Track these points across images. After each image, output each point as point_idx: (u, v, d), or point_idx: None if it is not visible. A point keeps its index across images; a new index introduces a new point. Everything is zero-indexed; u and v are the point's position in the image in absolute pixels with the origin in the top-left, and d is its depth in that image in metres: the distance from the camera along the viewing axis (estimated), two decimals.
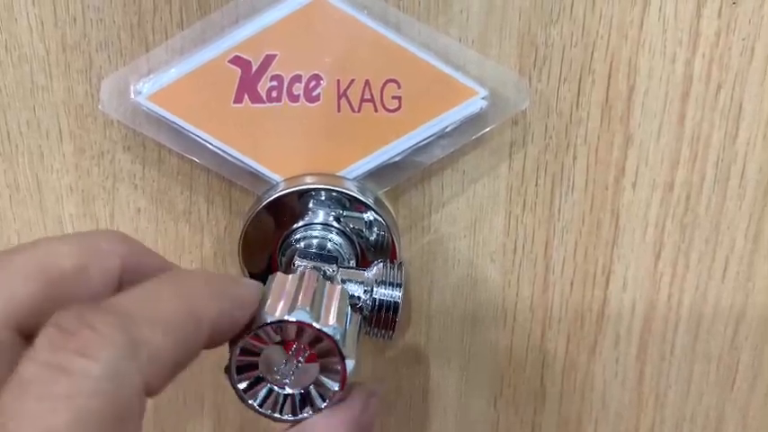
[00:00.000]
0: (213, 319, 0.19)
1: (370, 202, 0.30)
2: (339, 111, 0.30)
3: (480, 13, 0.30)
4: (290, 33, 0.29)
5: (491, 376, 0.36)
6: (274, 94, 0.29)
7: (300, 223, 0.30)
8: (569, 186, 0.32)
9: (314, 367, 0.22)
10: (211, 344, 0.20)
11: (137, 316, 0.17)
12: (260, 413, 0.23)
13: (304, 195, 0.30)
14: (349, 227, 0.30)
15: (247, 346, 0.22)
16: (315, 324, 0.22)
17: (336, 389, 0.22)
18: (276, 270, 0.31)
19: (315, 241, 0.29)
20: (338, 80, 0.29)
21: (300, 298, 0.23)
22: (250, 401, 0.22)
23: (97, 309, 0.17)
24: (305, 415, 0.22)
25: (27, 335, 0.17)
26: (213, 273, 0.22)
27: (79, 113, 0.32)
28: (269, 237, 0.30)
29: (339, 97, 0.29)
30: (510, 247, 0.34)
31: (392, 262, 0.28)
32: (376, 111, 0.30)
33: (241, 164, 0.30)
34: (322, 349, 0.22)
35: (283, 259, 0.30)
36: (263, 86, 0.29)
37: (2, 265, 0.18)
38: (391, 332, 0.27)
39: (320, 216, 0.30)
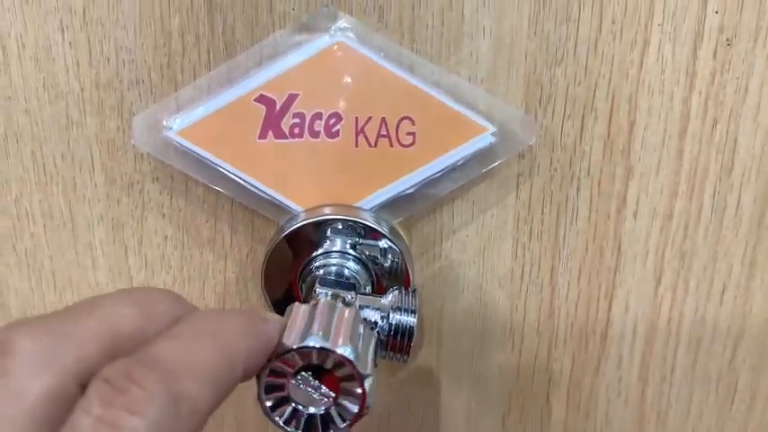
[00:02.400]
0: (246, 361, 0.21)
1: (385, 231, 0.31)
2: (357, 146, 0.31)
3: (489, 54, 0.32)
4: (312, 74, 0.31)
5: (499, 396, 0.38)
6: (297, 130, 0.31)
7: (319, 251, 0.32)
8: (573, 216, 0.34)
9: (335, 387, 0.24)
10: (243, 380, 0.22)
11: (179, 370, 0.19)
12: None
13: (323, 225, 0.31)
14: (365, 255, 0.32)
15: (271, 376, 0.23)
16: (327, 346, 0.23)
17: (356, 407, 0.24)
18: (297, 296, 0.32)
19: (333, 269, 0.31)
20: (356, 117, 0.31)
21: (314, 325, 0.24)
22: (277, 420, 0.24)
23: (142, 365, 0.19)
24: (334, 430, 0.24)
25: (83, 384, 0.19)
26: (242, 311, 0.23)
27: (111, 147, 0.34)
28: (289, 264, 0.32)
29: (357, 133, 0.31)
30: (517, 273, 0.35)
31: (406, 289, 0.30)
32: (391, 146, 0.31)
33: (264, 195, 0.32)
34: (340, 368, 0.24)
35: (304, 286, 0.31)
36: (286, 123, 0.31)
37: (73, 328, 0.19)
38: (406, 356, 0.28)
39: (338, 245, 0.32)
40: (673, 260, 0.35)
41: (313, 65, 0.31)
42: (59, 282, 0.36)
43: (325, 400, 0.24)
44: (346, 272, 0.31)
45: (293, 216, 0.32)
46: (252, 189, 0.32)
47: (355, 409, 0.24)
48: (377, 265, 0.32)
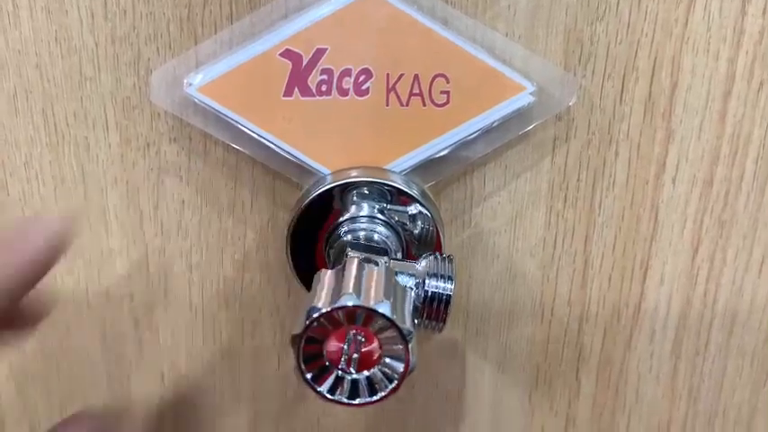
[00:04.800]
0: None
1: (416, 195, 0.30)
2: (388, 105, 0.30)
3: (527, 9, 0.30)
4: (341, 27, 0.29)
5: (527, 370, 0.36)
6: (324, 87, 0.30)
7: (347, 216, 0.30)
8: (611, 182, 0.33)
9: (376, 348, 0.22)
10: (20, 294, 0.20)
11: None
12: (332, 401, 0.23)
13: (352, 188, 0.30)
14: (395, 220, 0.30)
15: (307, 341, 0.22)
16: (362, 304, 0.22)
17: (402, 364, 0.22)
18: (322, 261, 0.31)
19: (362, 234, 0.30)
20: (387, 74, 0.30)
21: (344, 285, 0.23)
22: (320, 390, 0.23)
23: None
24: (379, 396, 0.23)
25: None
26: None
27: (126, 105, 0.32)
28: (316, 229, 0.30)
29: (388, 91, 0.30)
30: (550, 241, 0.34)
31: (441, 255, 0.28)
32: (424, 105, 0.30)
33: (289, 156, 0.30)
34: (379, 328, 0.22)
35: (331, 252, 0.30)
36: (313, 80, 0.30)
37: None
38: (442, 324, 0.27)
39: (367, 209, 0.30)
40: (711, 229, 0.34)
41: (342, 17, 0.29)
42: (70, 249, 0.34)
43: (369, 362, 0.22)
44: (376, 237, 0.30)
45: (319, 179, 0.31)
46: (276, 149, 0.30)
47: (400, 368, 0.22)
48: (406, 230, 0.30)
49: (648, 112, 0.32)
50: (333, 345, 0.22)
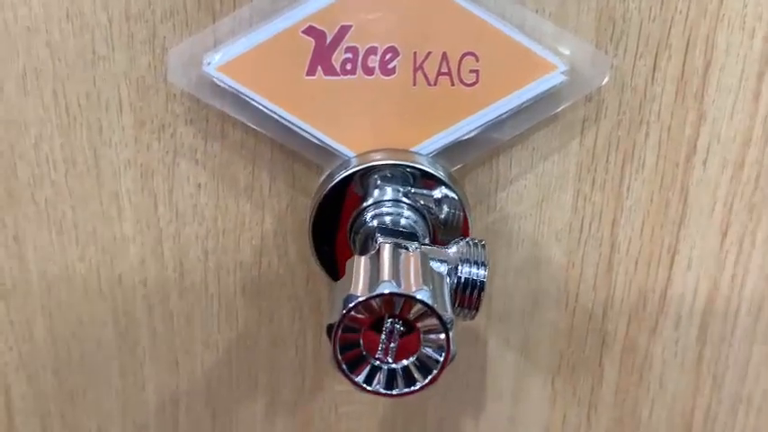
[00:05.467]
0: None
1: (444, 178, 0.29)
2: (415, 84, 0.29)
3: None
4: (366, 4, 0.28)
5: (549, 356, 0.36)
6: (349, 66, 0.29)
7: (372, 200, 0.29)
8: (640, 164, 0.32)
9: (416, 336, 0.22)
10: None
11: None
12: (369, 391, 0.22)
13: (377, 172, 0.29)
14: (421, 204, 0.29)
15: (343, 331, 0.21)
16: (401, 291, 0.21)
17: (441, 356, 0.22)
18: (345, 247, 0.30)
19: (389, 219, 0.29)
20: (415, 53, 0.29)
21: (384, 272, 0.22)
22: (356, 380, 0.22)
23: None
24: (418, 385, 0.22)
25: None
26: None
27: (141, 85, 0.31)
28: (340, 214, 0.30)
29: (415, 70, 0.29)
30: (576, 226, 0.33)
31: (474, 240, 0.27)
32: (453, 84, 0.29)
33: (311, 138, 0.29)
34: (418, 316, 0.21)
35: (356, 237, 0.29)
36: (337, 58, 0.29)
37: None
38: (475, 312, 0.26)
39: (393, 193, 0.29)
40: (741, 212, 0.33)
41: None
42: (82, 234, 0.33)
43: (407, 351, 0.22)
44: (403, 222, 0.29)
45: (343, 162, 0.30)
46: (298, 131, 0.29)
47: (440, 357, 0.21)
48: (432, 215, 0.30)
49: (680, 92, 0.31)
50: (370, 334, 0.21)
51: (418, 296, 0.21)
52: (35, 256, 0.34)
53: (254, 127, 0.30)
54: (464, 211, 0.30)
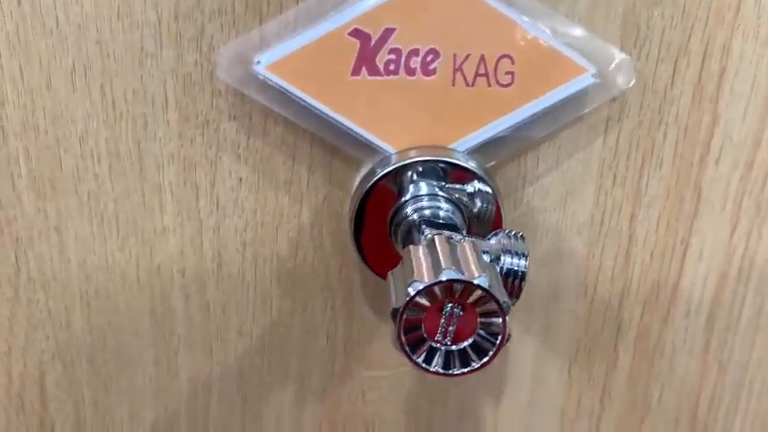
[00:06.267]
0: None
1: (481, 174, 0.31)
2: (454, 85, 0.30)
3: None
4: (410, 7, 0.30)
5: (567, 344, 0.38)
6: (392, 67, 0.30)
7: (413, 194, 0.31)
8: (658, 162, 0.34)
9: (474, 320, 0.23)
10: None
11: None
12: (428, 371, 0.24)
13: (417, 167, 0.31)
14: (458, 198, 0.31)
15: (408, 315, 0.23)
16: (464, 278, 0.23)
17: (499, 335, 0.23)
18: (385, 239, 0.31)
19: (429, 212, 0.30)
20: (454, 54, 0.30)
21: (443, 260, 0.24)
22: (416, 360, 0.23)
23: None
24: (475, 365, 0.23)
25: None
26: None
27: (187, 82, 0.32)
28: (382, 208, 0.31)
29: (455, 71, 0.30)
30: (597, 219, 0.35)
31: (513, 232, 0.29)
32: (489, 85, 0.31)
33: (355, 134, 0.31)
34: (476, 300, 0.23)
35: (399, 229, 0.30)
36: (380, 59, 0.30)
37: None
38: (515, 300, 0.28)
39: (431, 188, 0.31)
40: (749, 209, 0.35)
41: None
42: (123, 226, 0.34)
43: (465, 335, 0.23)
44: (443, 214, 0.30)
45: (385, 158, 0.31)
46: (341, 128, 0.31)
47: (497, 340, 0.23)
48: (468, 208, 0.31)
49: (697, 96, 0.33)
50: (431, 318, 0.23)
51: (478, 282, 0.22)
52: (75, 247, 0.35)
53: (299, 123, 0.31)
54: (498, 205, 0.31)
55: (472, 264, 0.23)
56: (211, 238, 0.35)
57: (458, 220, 0.30)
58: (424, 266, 0.23)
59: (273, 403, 0.38)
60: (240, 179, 0.34)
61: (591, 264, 0.36)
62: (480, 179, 0.31)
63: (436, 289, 0.22)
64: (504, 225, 0.32)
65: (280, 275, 0.35)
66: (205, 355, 0.37)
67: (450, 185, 0.31)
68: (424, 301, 0.23)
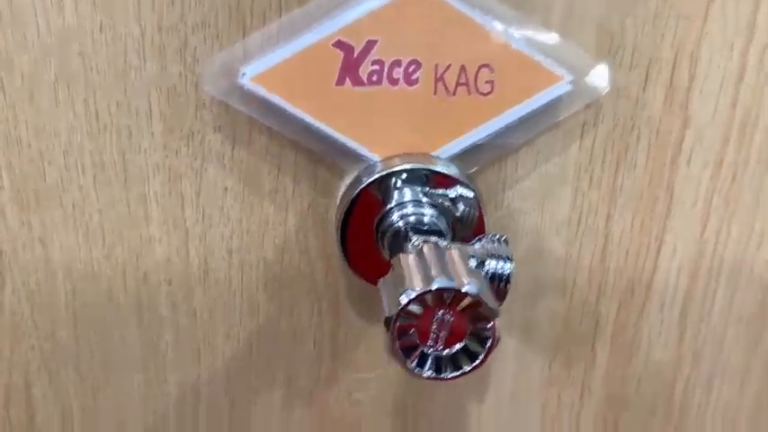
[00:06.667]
0: None
1: (463, 179, 0.31)
2: (435, 94, 0.31)
3: (563, 1, 0.32)
4: (391, 20, 0.30)
5: (547, 341, 0.39)
6: (375, 77, 0.31)
7: (396, 201, 0.32)
8: (632, 164, 0.35)
9: (464, 325, 0.24)
10: None
11: None
12: (421, 377, 0.24)
13: (402, 175, 0.31)
14: (443, 204, 0.32)
15: (401, 323, 0.24)
16: (454, 286, 0.24)
17: (489, 339, 0.24)
18: (371, 246, 0.32)
19: (414, 218, 0.31)
20: (436, 65, 0.31)
21: (432, 268, 0.24)
22: (410, 366, 0.24)
23: None
24: (466, 368, 0.24)
25: None
26: None
27: (171, 94, 0.32)
28: (368, 214, 0.32)
29: (436, 81, 0.31)
30: (574, 220, 0.36)
31: (496, 236, 0.30)
32: (470, 94, 0.31)
33: (339, 143, 0.31)
34: (467, 307, 0.24)
35: (385, 235, 0.31)
36: (364, 70, 0.31)
37: None
38: (501, 302, 0.29)
39: (416, 194, 0.32)
40: (719, 207, 0.36)
41: (392, 10, 0.30)
42: (108, 235, 0.34)
43: (456, 339, 0.24)
44: (428, 220, 0.31)
45: (370, 165, 0.32)
46: (326, 137, 0.31)
47: (487, 344, 0.24)
48: (452, 214, 0.32)
49: (668, 100, 0.34)
50: (422, 324, 0.24)
51: (468, 289, 0.23)
52: (61, 258, 0.35)
53: (284, 133, 0.32)
54: (480, 209, 0.32)
55: (461, 271, 0.24)
56: (197, 246, 0.35)
57: (442, 225, 0.31)
58: (414, 275, 0.24)
59: (261, 407, 0.39)
60: (226, 188, 0.34)
61: (569, 263, 0.37)
62: (463, 185, 0.31)
63: (428, 297, 0.23)
64: (486, 228, 0.33)
65: (266, 281, 0.36)
66: (193, 360, 0.37)
67: (434, 191, 0.32)
68: (416, 308, 0.23)
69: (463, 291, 0.23)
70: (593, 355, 0.39)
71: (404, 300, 0.23)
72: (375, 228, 0.32)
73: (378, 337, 0.38)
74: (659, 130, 0.35)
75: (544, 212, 0.36)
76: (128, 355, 0.37)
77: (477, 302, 0.24)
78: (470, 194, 0.32)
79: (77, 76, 0.31)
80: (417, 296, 0.23)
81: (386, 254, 0.31)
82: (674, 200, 0.36)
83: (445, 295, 0.23)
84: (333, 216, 0.35)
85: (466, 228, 0.33)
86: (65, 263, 0.35)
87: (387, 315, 0.23)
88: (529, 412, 0.40)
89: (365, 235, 0.32)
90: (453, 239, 0.32)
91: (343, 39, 0.30)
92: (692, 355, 0.40)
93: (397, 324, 0.23)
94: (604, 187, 0.35)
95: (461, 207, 0.32)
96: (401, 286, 0.24)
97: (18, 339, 0.36)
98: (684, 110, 0.34)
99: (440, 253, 0.25)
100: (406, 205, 0.31)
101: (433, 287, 0.23)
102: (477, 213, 0.32)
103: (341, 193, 0.33)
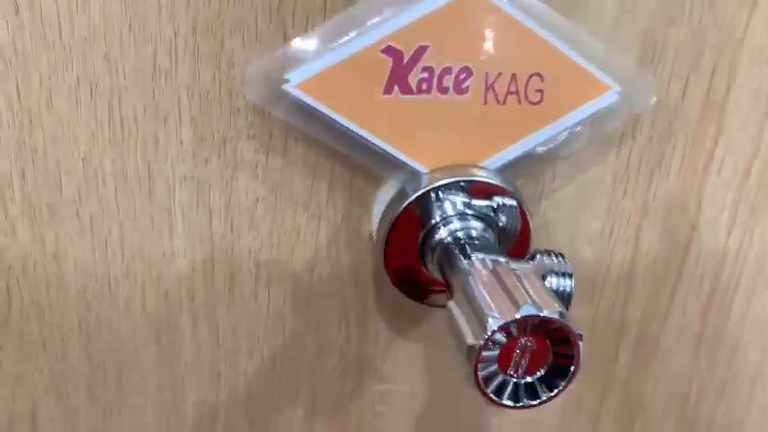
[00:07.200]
0: None
1: (512, 191, 0.31)
2: (485, 103, 0.30)
3: (614, 10, 0.31)
4: (443, 25, 0.29)
5: None
6: (425, 86, 0.29)
7: (444, 215, 0.30)
8: (666, 172, 0.35)
9: (547, 352, 0.23)
10: None
11: None
12: (504, 405, 0.23)
13: (450, 187, 0.30)
14: (487, 216, 0.31)
15: (484, 351, 0.23)
16: (544, 314, 0.23)
17: (572, 366, 0.23)
18: (414, 261, 0.31)
19: (462, 233, 0.30)
20: (486, 73, 0.30)
21: (515, 293, 0.24)
22: (492, 396, 0.23)
23: None
24: (544, 398, 0.23)
25: None
26: None
27: (203, 99, 0.30)
28: (412, 229, 0.30)
29: (486, 90, 0.30)
30: (607, 230, 0.36)
31: (552, 252, 0.29)
32: (520, 103, 0.30)
33: (387, 154, 0.30)
34: (550, 332, 0.23)
35: (434, 252, 0.30)
36: (413, 78, 0.29)
37: None
38: None
39: (463, 207, 0.30)
40: (744, 214, 0.37)
41: (444, 15, 0.29)
42: (128, 250, 0.32)
43: (539, 365, 0.23)
44: (477, 234, 0.30)
45: (415, 177, 0.30)
46: (372, 147, 0.30)
47: (570, 370, 0.23)
48: (499, 226, 0.31)
49: (705, 109, 0.34)
50: (505, 352, 0.23)
51: (556, 316, 0.23)
52: (75, 274, 0.32)
53: (326, 142, 0.30)
54: (527, 221, 0.31)
55: (546, 296, 0.23)
56: (224, 260, 0.33)
57: (491, 238, 0.30)
58: (496, 300, 0.23)
59: (283, 425, 0.37)
60: (257, 199, 0.32)
61: (598, 271, 0.37)
62: (511, 196, 0.31)
63: (514, 325, 0.22)
64: (530, 241, 0.32)
65: (294, 295, 0.34)
66: (212, 380, 0.36)
67: (482, 204, 0.31)
68: (501, 336, 0.22)
69: (552, 318, 0.23)
70: (614, 360, 0.39)
71: (491, 327, 0.22)
72: (421, 242, 0.31)
73: (404, 349, 0.37)
74: (695, 138, 0.35)
75: (578, 222, 0.35)
76: (144, 376, 0.35)
77: (562, 328, 0.23)
78: (517, 206, 0.31)
79: (101, 79, 0.29)
80: (505, 324, 0.22)
81: (434, 270, 0.30)
82: (702, 208, 0.36)
83: (530, 322, 0.23)
84: (366, 227, 0.33)
85: (509, 240, 0.32)
86: (79, 279, 0.32)
87: (470, 343, 0.22)
88: (548, 417, 0.40)
89: (408, 250, 0.31)
90: (507, 255, 0.31)
91: (394, 44, 0.29)
92: (708, 359, 0.40)
93: (482, 353, 0.22)
94: (638, 196, 0.35)
95: (508, 219, 0.31)
96: (484, 313, 0.23)
97: (25, 360, 0.33)
98: (720, 118, 0.34)
99: (515, 275, 0.24)
100: (453, 219, 0.30)
101: (522, 314, 0.22)
102: (522, 225, 0.32)
103: (380, 205, 0.32)
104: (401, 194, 0.30)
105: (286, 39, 0.29)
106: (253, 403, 0.37)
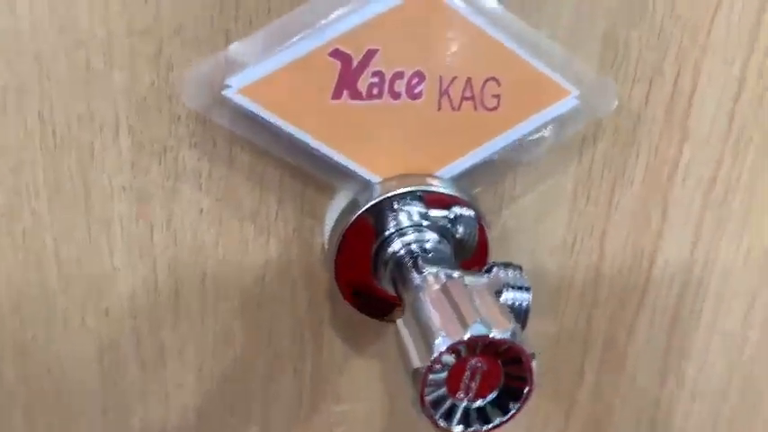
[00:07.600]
0: None
1: (469, 201, 0.29)
2: (440, 109, 0.29)
3: (571, 13, 0.30)
4: (393, 27, 0.27)
5: (538, 359, 0.37)
6: (375, 90, 0.28)
7: (398, 226, 0.29)
8: (630, 181, 0.34)
9: (498, 373, 0.22)
10: None
11: None
12: None
13: (405, 197, 0.29)
14: (446, 227, 0.29)
15: (431, 372, 0.21)
16: (493, 334, 0.21)
17: (526, 387, 0.22)
18: (366, 273, 0.30)
19: (416, 245, 0.29)
20: (440, 77, 0.28)
21: (464, 311, 0.22)
22: (440, 422, 0.22)
23: None
24: (497, 422, 0.22)
25: None
26: None
27: (141, 106, 0.28)
28: (364, 241, 0.29)
29: (441, 95, 0.29)
30: (570, 239, 0.35)
31: (508, 264, 0.28)
32: (475, 109, 0.29)
33: (337, 163, 0.29)
34: (501, 353, 0.22)
35: (385, 265, 0.28)
36: (363, 82, 0.28)
37: None
38: None
39: (418, 219, 0.29)
40: (710, 224, 0.36)
41: (395, 16, 0.27)
42: (65, 266, 0.30)
43: (489, 387, 0.22)
44: (431, 246, 0.28)
45: (368, 187, 0.29)
46: (320, 155, 0.28)
47: (524, 392, 0.22)
48: (455, 238, 0.30)
49: (669, 115, 0.33)
50: (454, 374, 0.21)
51: (507, 336, 0.21)
52: (8, 292, 0.30)
53: (271, 151, 0.29)
54: (484, 232, 0.30)
55: (498, 313, 0.22)
56: (167, 275, 0.31)
57: (446, 250, 0.29)
58: (445, 319, 0.22)
59: None
60: (201, 210, 0.30)
61: (563, 282, 0.36)
62: (468, 207, 0.29)
63: (462, 346, 0.21)
64: (488, 252, 0.31)
65: (243, 311, 0.33)
66: (159, 400, 0.34)
67: (437, 215, 0.29)
68: (449, 358, 0.21)
69: (500, 338, 0.21)
70: (580, 374, 0.38)
71: (438, 349, 0.21)
72: (374, 254, 0.29)
73: (361, 367, 0.35)
74: (658, 146, 0.33)
75: (540, 230, 0.34)
76: (86, 397, 0.33)
77: (514, 348, 0.21)
78: (474, 217, 0.30)
79: (31, 84, 0.27)
80: (453, 344, 0.21)
81: (386, 283, 0.29)
82: (667, 218, 0.35)
83: (480, 342, 0.21)
84: (319, 240, 0.32)
85: (466, 251, 0.30)
86: (13, 297, 0.30)
87: (415, 366, 0.21)
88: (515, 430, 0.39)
89: (361, 263, 0.29)
90: (462, 268, 0.30)
91: (342, 47, 0.27)
92: (676, 370, 0.39)
93: (429, 376, 0.21)
94: (601, 204, 0.34)
95: (464, 230, 0.30)
96: (432, 333, 0.21)
97: None
98: (683, 125, 0.33)
99: (466, 291, 0.23)
100: (406, 231, 0.29)
101: (471, 334, 0.21)
102: (480, 236, 0.30)
103: (332, 216, 0.30)
104: (353, 205, 0.29)
105: (228, 41, 0.28)
106: (203, 424, 0.35)
